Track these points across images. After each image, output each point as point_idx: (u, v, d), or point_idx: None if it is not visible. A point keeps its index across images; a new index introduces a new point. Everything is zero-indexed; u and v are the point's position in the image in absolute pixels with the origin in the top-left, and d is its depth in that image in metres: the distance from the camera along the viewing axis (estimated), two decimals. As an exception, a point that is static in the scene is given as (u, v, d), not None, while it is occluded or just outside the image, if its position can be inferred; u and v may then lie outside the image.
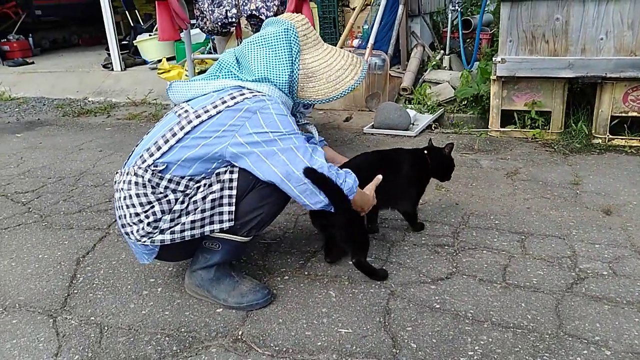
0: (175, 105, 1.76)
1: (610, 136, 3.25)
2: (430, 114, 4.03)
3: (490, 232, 2.22)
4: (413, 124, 3.83)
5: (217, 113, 1.59)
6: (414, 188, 2.20)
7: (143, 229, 1.63)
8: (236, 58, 1.75)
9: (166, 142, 1.61)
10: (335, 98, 1.77)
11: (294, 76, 1.73)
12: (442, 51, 4.84)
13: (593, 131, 3.30)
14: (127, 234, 1.69)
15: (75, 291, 1.91)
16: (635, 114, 3.18)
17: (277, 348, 1.55)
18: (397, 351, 1.51)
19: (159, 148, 1.61)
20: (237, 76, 1.71)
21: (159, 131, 1.67)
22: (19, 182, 3.12)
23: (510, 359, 1.46)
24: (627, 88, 3.13)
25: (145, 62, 6.23)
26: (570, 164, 3.00)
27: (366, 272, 1.87)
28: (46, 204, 2.75)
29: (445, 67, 4.70)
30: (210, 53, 3.76)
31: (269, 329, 1.64)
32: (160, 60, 5.80)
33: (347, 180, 1.66)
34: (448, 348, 1.51)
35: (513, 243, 2.11)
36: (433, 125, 3.86)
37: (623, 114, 3.20)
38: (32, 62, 7.38)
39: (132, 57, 6.29)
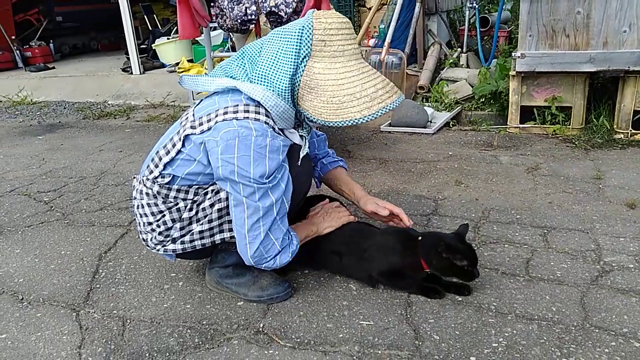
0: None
1: (633, 131, 3.19)
2: (448, 111, 4.00)
3: (511, 227, 2.18)
4: (431, 122, 3.80)
5: (208, 129, 1.52)
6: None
7: (155, 237, 1.66)
8: (261, 47, 1.60)
9: (167, 153, 1.59)
10: (333, 124, 1.50)
11: (297, 80, 1.52)
12: (459, 49, 4.81)
13: (615, 126, 3.24)
14: (144, 240, 1.73)
15: (97, 286, 1.93)
16: (659, 107, 3.11)
17: (298, 340, 1.54)
18: (420, 343, 1.49)
19: (160, 159, 1.61)
20: (245, 72, 1.58)
21: (164, 139, 1.66)
22: (41, 182, 3.17)
23: (536, 350, 1.43)
24: (651, 81, 3.07)
25: (163, 66, 6.30)
26: (592, 159, 2.95)
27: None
28: (68, 203, 2.79)
29: (463, 65, 4.67)
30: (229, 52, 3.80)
31: (290, 321, 1.64)
32: (178, 64, 5.88)
33: (282, 257, 1.59)
34: (471, 340, 1.49)
35: (535, 237, 2.08)
36: (451, 123, 3.83)
37: (646, 108, 3.14)
38: (53, 67, 7.52)
39: (150, 60, 6.37)
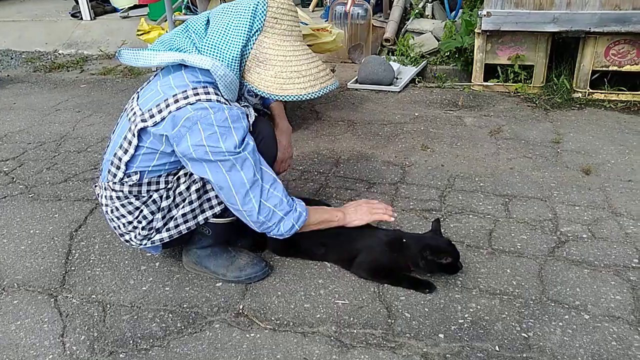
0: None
1: (590, 90, 3.30)
2: (414, 66, 4.00)
3: (475, 195, 2.28)
4: (397, 78, 3.81)
5: (162, 120, 1.50)
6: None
7: (139, 233, 1.66)
8: (207, 20, 1.62)
9: (125, 152, 1.57)
10: (277, 98, 1.57)
11: (246, 52, 1.55)
12: (424, -2, 4.73)
13: (574, 85, 3.35)
14: (127, 241, 1.72)
15: (72, 268, 1.93)
16: (615, 68, 3.22)
17: (278, 322, 1.62)
18: (392, 321, 1.60)
19: (120, 159, 1.59)
20: (193, 43, 1.58)
21: (118, 138, 1.63)
22: (-2, 149, 3.04)
23: (498, 325, 1.56)
24: (610, 42, 3.15)
25: (115, 10, 5.93)
26: (552, 120, 3.06)
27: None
28: (30, 173, 2.70)
29: (428, 15, 4.62)
30: (189, 8, 3.60)
31: (268, 302, 1.70)
32: (132, 8, 5.56)
33: (282, 225, 1.62)
34: (440, 317, 1.61)
35: (498, 206, 2.19)
36: (416, 79, 3.84)
37: (604, 68, 3.25)
38: (-7, 9, 6.95)
39: (101, 4, 5.97)
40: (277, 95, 1.56)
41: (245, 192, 1.54)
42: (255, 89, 1.58)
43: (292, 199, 1.66)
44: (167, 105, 1.50)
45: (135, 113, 1.57)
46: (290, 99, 1.57)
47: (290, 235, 1.66)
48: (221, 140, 1.48)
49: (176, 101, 1.50)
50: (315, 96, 1.59)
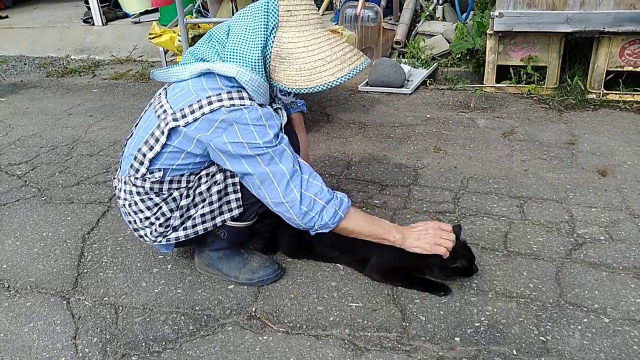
0: (156, 94, 1.68)
1: (605, 91, 3.26)
2: (425, 68, 3.98)
3: (489, 197, 2.25)
4: (408, 80, 3.79)
5: (194, 120, 1.49)
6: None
7: (156, 230, 1.65)
8: (228, 29, 1.61)
9: (151, 148, 1.56)
10: (307, 90, 1.52)
11: (267, 52, 1.53)
12: (435, 0, 4.71)
13: (588, 86, 3.30)
14: (141, 237, 1.71)
15: (84, 270, 1.93)
16: (630, 68, 3.17)
17: (291, 324, 1.60)
18: (407, 324, 1.57)
19: (145, 155, 1.57)
20: (216, 51, 1.58)
21: (143, 134, 1.61)
22: (11, 153, 3.06)
23: (515, 329, 1.53)
24: (625, 42, 3.10)
25: (127, 16, 5.99)
26: (566, 121, 3.01)
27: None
28: (42, 177, 2.72)
29: (439, 17, 4.59)
30: (199, 11, 3.62)
31: (281, 304, 1.69)
32: (143, 13, 5.60)
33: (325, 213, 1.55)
34: (455, 320, 1.58)
35: (512, 208, 2.16)
36: (428, 81, 3.82)
37: (619, 69, 3.20)
38: (6, 17, 7.05)
39: (112, 10, 6.03)
40: (306, 88, 1.52)
41: (287, 182, 1.52)
42: (284, 87, 1.55)
43: (331, 189, 1.61)
44: (201, 107, 1.49)
45: (165, 111, 1.55)
46: (321, 89, 1.51)
47: (334, 227, 1.58)
48: (258, 137, 1.48)
49: (210, 103, 1.49)
50: (347, 79, 1.53)
